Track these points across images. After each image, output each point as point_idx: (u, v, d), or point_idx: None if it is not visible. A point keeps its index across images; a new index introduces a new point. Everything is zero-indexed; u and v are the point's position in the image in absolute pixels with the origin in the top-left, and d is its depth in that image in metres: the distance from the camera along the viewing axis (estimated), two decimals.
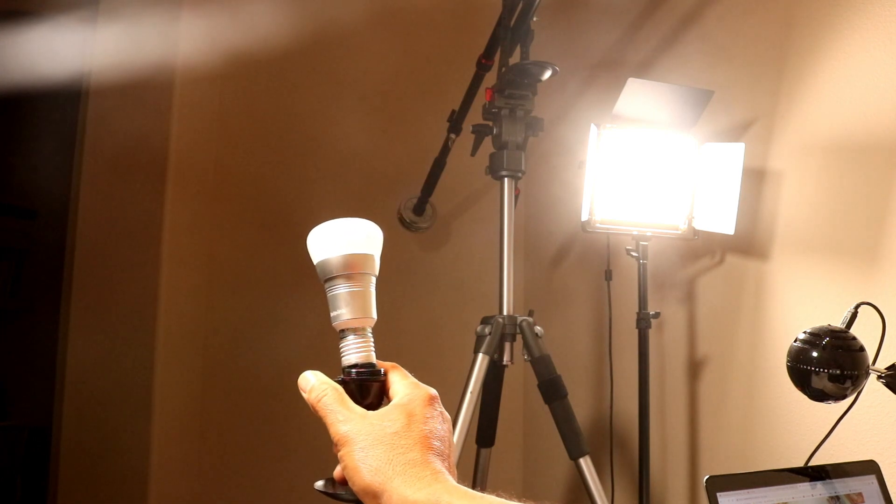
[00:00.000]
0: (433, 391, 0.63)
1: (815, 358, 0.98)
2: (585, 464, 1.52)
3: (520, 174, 1.66)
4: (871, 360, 1.00)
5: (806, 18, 1.59)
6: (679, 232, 1.67)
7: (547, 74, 1.59)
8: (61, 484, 2.06)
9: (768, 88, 1.66)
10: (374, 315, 0.65)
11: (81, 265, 2.13)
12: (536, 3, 1.59)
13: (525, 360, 1.59)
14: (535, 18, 1.63)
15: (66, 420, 2.07)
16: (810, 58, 1.57)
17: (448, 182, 2.13)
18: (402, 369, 0.66)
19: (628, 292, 1.79)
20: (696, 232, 1.66)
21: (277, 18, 2.08)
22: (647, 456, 1.63)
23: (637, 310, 1.68)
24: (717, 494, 0.96)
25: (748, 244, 1.68)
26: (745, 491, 0.98)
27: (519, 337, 1.60)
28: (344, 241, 0.64)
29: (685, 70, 1.90)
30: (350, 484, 0.58)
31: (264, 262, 2.22)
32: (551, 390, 1.56)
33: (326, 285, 0.65)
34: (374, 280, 0.66)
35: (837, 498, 1.02)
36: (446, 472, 0.57)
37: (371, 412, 0.61)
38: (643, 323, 1.66)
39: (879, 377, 0.99)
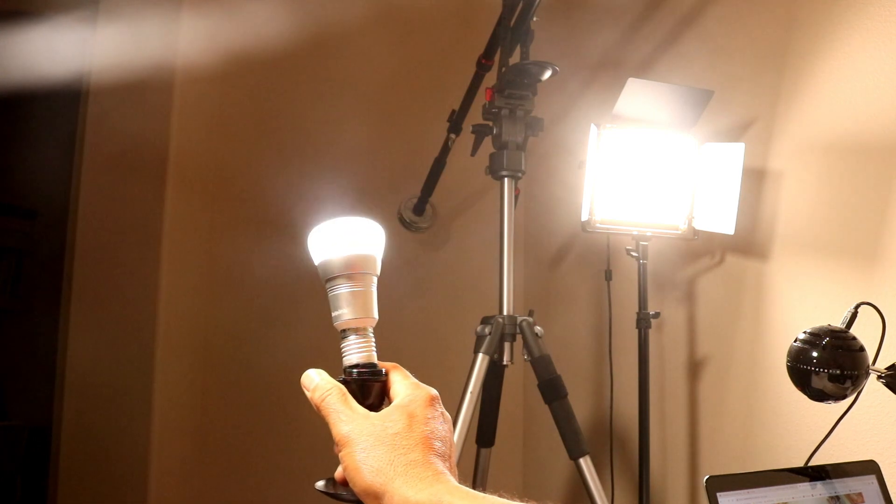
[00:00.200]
0: (434, 392, 0.63)
1: (815, 358, 0.98)
2: (585, 464, 1.52)
3: (520, 174, 1.66)
4: (871, 360, 1.00)
5: (806, 18, 1.59)
6: (679, 232, 1.67)
7: (547, 74, 1.59)
8: (61, 484, 2.06)
9: (768, 88, 1.66)
10: (376, 315, 0.65)
11: (81, 265, 2.13)
12: (536, 3, 1.59)
13: (525, 360, 1.59)
14: (535, 18, 1.63)
15: (66, 420, 2.07)
16: (810, 58, 1.57)
17: (448, 182, 2.13)
18: (403, 369, 0.65)
19: (628, 292, 1.79)
20: (696, 232, 1.66)
21: (277, 18, 2.08)
22: (647, 456, 1.63)
23: (637, 310, 1.68)
24: (717, 494, 0.96)
25: (748, 244, 1.68)
26: (745, 491, 0.98)
27: (519, 337, 1.60)
28: (345, 240, 0.64)
29: (685, 70, 1.90)
30: (351, 484, 0.58)
31: (264, 262, 2.22)
32: (551, 390, 1.56)
33: (328, 285, 0.65)
34: (375, 280, 0.65)
35: (837, 498, 1.02)
36: (448, 473, 0.57)
37: (373, 413, 0.61)
38: (643, 323, 1.66)
39: (879, 377, 0.99)
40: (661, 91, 1.62)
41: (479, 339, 1.59)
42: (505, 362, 1.62)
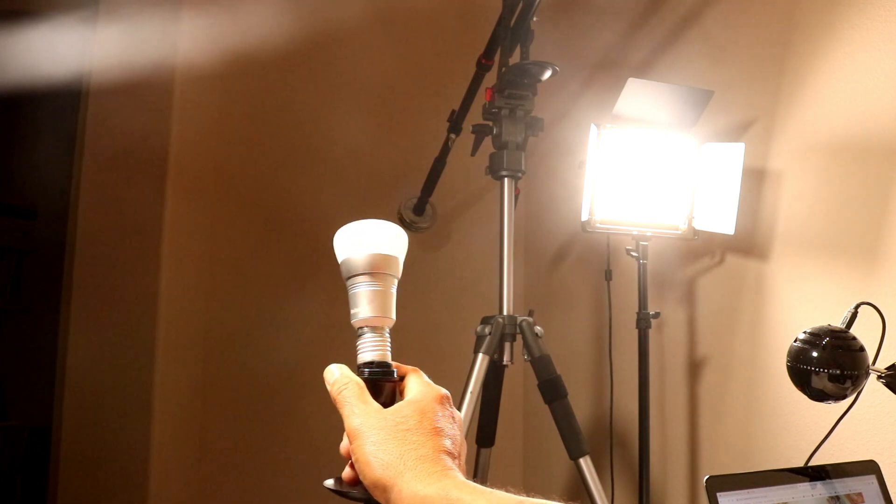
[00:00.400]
0: (445, 391, 0.64)
1: (815, 358, 0.98)
2: (585, 464, 1.52)
3: (520, 174, 1.66)
4: (871, 360, 1.00)
5: (806, 18, 1.59)
6: (679, 232, 1.67)
7: (547, 74, 1.59)
8: (61, 484, 2.06)
9: (768, 88, 1.66)
10: (394, 316, 0.66)
11: (81, 265, 2.13)
12: (536, 3, 1.59)
13: (525, 360, 1.59)
14: (535, 18, 1.63)
15: (66, 420, 2.07)
16: (810, 57, 1.57)
17: (448, 182, 2.13)
18: (422, 373, 0.66)
19: (628, 292, 1.79)
20: (696, 232, 1.66)
21: (277, 18, 2.08)
22: (647, 456, 1.63)
23: (637, 310, 1.68)
24: (717, 494, 0.96)
25: (748, 244, 1.68)
26: (745, 491, 0.98)
27: (519, 337, 1.60)
28: (370, 241, 0.65)
29: (685, 70, 1.90)
30: (361, 477, 0.58)
31: (264, 262, 2.22)
32: (551, 390, 1.56)
33: (348, 283, 0.66)
34: (395, 282, 0.66)
35: (837, 498, 1.02)
36: (456, 469, 0.58)
37: (385, 409, 0.62)
38: (643, 323, 1.66)
39: (879, 377, 0.99)
40: (661, 91, 1.62)
41: (479, 339, 1.59)
42: (505, 362, 1.62)
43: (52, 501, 2.07)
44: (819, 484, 1.02)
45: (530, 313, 1.63)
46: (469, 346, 1.60)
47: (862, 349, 0.99)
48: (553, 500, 0.55)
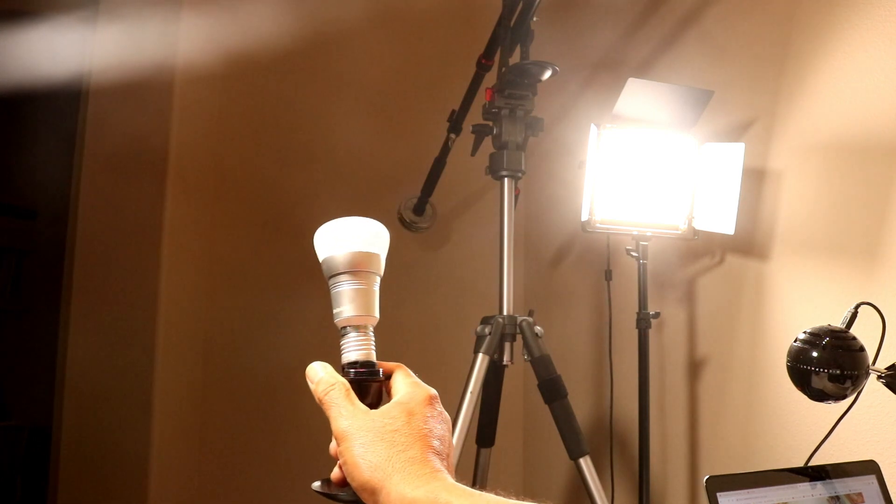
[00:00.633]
0: (433, 391, 0.63)
1: (815, 358, 0.98)
2: (585, 464, 1.52)
3: (520, 174, 1.66)
4: (871, 360, 1.00)
5: (806, 18, 1.59)
6: (679, 232, 1.67)
7: (547, 74, 1.59)
8: (61, 484, 2.06)
9: (768, 88, 1.66)
10: (377, 314, 0.65)
11: (81, 265, 2.13)
12: (536, 3, 1.59)
13: (525, 360, 1.59)
14: (535, 18, 1.64)
15: (66, 420, 2.07)
16: (810, 57, 1.57)
17: (448, 182, 2.13)
18: (407, 369, 0.66)
19: (628, 292, 1.79)
20: (696, 232, 1.66)
21: (277, 18, 2.08)
22: (647, 456, 1.63)
23: (637, 310, 1.68)
24: (717, 494, 0.96)
25: (748, 244, 1.68)
26: (745, 491, 0.98)
27: (519, 337, 1.60)
28: (351, 238, 0.64)
29: (685, 70, 1.90)
30: (349, 479, 0.58)
31: (264, 262, 2.22)
32: (551, 390, 1.56)
33: (330, 282, 0.65)
34: (378, 280, 0.66)
35: (837, 498, 1.02)
36: (445, 471, 0.57)
37: (372, 410, 0.61)
38: (643, 323, 1.66)
39: (879, 377, 0.99)
40: (661, 91, 1.62)
41: (479, 339, 1.59)
42: (505, 362, 1.62)
43: (52, 501, 2.07)
44: (819, 484, 1.02)
45: (530, 313, 1.63)
46: (469, 346, 1.60)
47: (862, 349, 0.99)
48: (545, 503, 0.54)
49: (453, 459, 0.61)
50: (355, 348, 0.64)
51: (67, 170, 2.20)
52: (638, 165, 1.63)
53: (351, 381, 0.63)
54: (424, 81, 2.39)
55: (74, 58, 2.10)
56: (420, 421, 0.59)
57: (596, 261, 2.08)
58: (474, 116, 1.76)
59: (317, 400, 0.63)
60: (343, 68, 2.31)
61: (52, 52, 2.09)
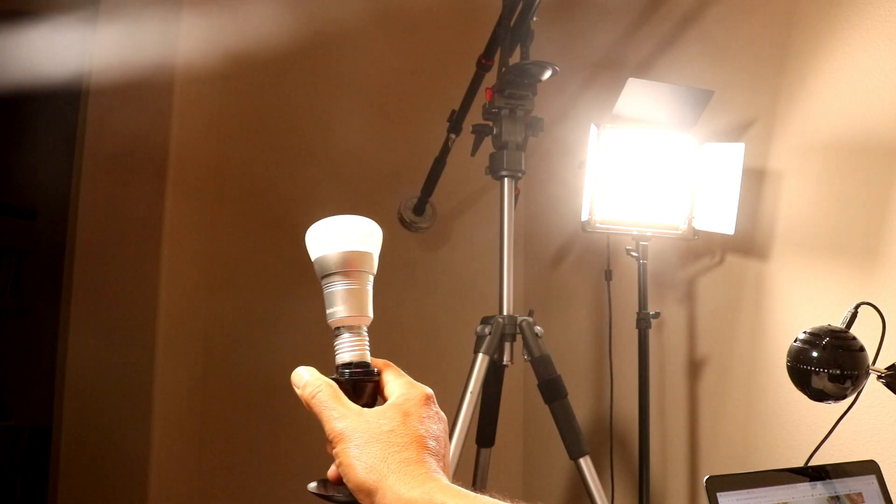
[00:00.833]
0: (429, 390, 0.63)
1: (815, 358, 0.98)
2: (585, 464, 1.52)
3: (520, 174, 1.66)
4: (871, 360, 1.00)
5: (806, 18, 1.59)
6: (679, 232, 1.67)
7: (547, 74, 1.59)
8: (61, 484, 2.06)
9: (768, 88, 1.66)
10: (371, 314, 0.64)
11: (81, 265, 2.13)
12: (536, 3, 1.59)
13: (525, 360, 1.59)
14: (535, 18, 1.63)
15: (66, 420, 2.07)
16: (810, 57, 1.57)
17: (448, 182, 2.13)
18: (396, 367, 0.65)
19: (628, 292, 1.79)
20: (696, 232, 1.66)
21: (277, 18, 2.08)
22: (647, 456, 1.63)
23: (637, 310, 1.68)
24: (717, 494, 0.96)
25: (748, 244, 1.68)
26: (745, 491, 0.98)
27: (519, 337, 1.60)
28: (343, 237, 0.63)
29: (685, 70, 1.90)
30: (345, 480, 0.58)
31: (264, 262, 2.22)
32: (551, 390, 1.56)
33: (323, 282, 0.64)
34: (371, 279, 0.65)
35: (837, 498, 1.02)
36: (440, 472, 0.57)
37: (367, 410, 0.61)
38: (643, 323, 1.66)
39: (879, 377, 0.99)
40: (661, 91, 1.62)
41: (479, 339, 1.59)
42: (505, 362, 1.62)
43: (52, 501, 2.07)
44: (819, 484, 1.02)
45: (530, 313, 1.63)
46: (469, 346, 1.60)
47: (862, 349, 0.99)
48: None
49: (452, 459, 0.61)
50: (349, 349, 0.64)
51: (67, 170, 2.20)
52: (638, 165, 1.63)
53: (346, 382, 0.63)
54: (424, 81, 2.39)
55: (74, 58, 2.10)
56: (416, 421, 0.59)
57: (596, 261, 2.08)
58: (474, 116, 1.76)
59: (305, 404, 0.62)
60: (343, 68, 2.31)
61: (52, 52, 2.09)
